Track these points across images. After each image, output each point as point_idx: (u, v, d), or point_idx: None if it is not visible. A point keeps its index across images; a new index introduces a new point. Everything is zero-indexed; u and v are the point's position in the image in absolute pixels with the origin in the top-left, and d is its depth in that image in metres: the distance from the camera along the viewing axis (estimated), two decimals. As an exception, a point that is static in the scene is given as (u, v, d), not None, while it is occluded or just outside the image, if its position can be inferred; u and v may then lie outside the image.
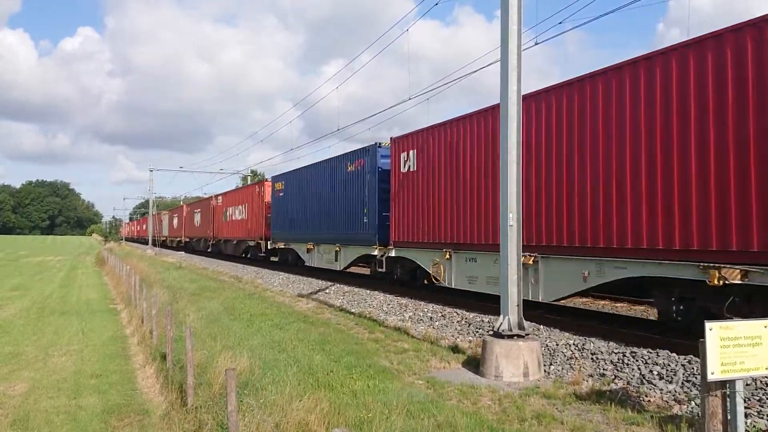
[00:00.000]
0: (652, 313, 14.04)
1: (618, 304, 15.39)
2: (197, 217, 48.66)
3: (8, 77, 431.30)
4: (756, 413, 6.48)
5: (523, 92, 9.49)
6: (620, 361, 8.70)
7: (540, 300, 11.83)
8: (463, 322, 12.51)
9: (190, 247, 53.87)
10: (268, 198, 30.14)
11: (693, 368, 7.82)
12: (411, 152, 16.41)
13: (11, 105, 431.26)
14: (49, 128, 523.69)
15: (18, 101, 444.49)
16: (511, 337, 8.93)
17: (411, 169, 16.44)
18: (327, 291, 19.53)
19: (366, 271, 22.65)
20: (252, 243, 32.95)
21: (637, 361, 8.55)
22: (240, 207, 35.12)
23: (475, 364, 9.22)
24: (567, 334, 10.55)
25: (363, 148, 19.66)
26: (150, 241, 63.94)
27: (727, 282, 8.31)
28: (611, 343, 9.52)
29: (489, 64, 12.85)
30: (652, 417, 6.45)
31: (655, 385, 7.76)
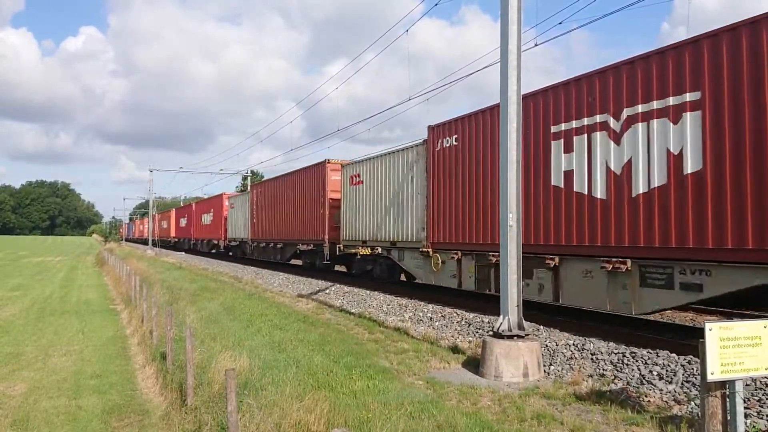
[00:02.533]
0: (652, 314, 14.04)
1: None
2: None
3: (11, 77, 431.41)
4: (756, 413, 6.48)
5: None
6: (620, 362, 8.70)
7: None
8: (463, 323, 12.50)
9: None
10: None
11: (693, 368, 7.82)
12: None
13: (13, 105, 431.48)
14: (51, 128, 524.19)
15: (20, 101, 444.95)
16: (510, 337, 8.93)
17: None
18: (327, 291, 19.53)
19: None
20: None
21: (636, 361, 8.55)
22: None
23: (474, 364, 9.22)
24: (567, 334, 10.55)
25: None
26: (150, 242, 64.00)
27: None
28: (611, 343, 9.52)
29: (488, 65, 12.86)
30: (651, 417, 6.45)
31: (654, 386, 7.76)
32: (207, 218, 45.94)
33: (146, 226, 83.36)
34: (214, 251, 45.45)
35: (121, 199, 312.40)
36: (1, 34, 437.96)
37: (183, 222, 59.12)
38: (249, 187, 34.37)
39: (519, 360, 8.65)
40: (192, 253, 51.89)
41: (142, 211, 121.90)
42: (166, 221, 70.67)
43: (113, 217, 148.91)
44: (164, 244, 69.01)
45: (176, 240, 63.47)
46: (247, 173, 64.50)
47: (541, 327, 11.15)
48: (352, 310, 15.67)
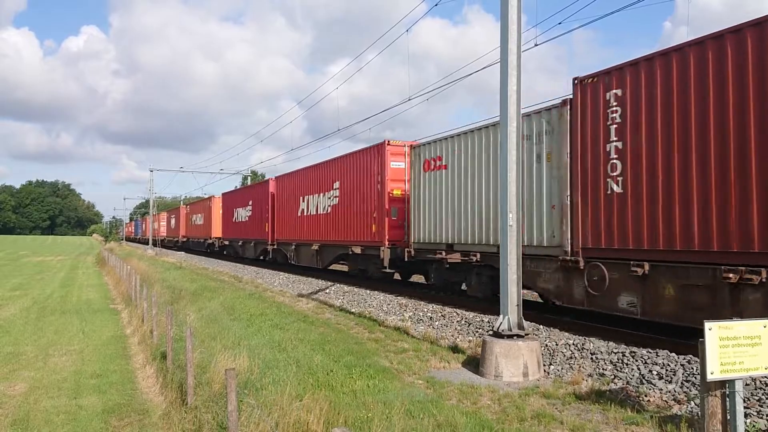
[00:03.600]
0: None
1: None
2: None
3: (13, 77, 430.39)
4: (756, 413, 6.48)
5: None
6: (620, 361, 8.70)
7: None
8: (462, 322, 12.51)
9: None
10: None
11: (692, 368, 7.82)
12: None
13: (15, 105, 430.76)
14: (52, 128, 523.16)
15: (22, 101, 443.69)
16: (510, 337, 8.93)
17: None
18: (327, 291, 19.53)
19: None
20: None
21: (636, 360, 8.55)
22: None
23: (474, 364, 9.22)
24: (566, 334, 10.55)
25: None
26: (150, 242, 64.01)
27: None
28: (611, 343, 9.52)
29: (489, 65, 12.87)
30: (651, 417, 6.46)
31: (654, 385, 7.76)
32: (316, 202, 23.53)
33: (160, 223, 69.32)
34: (349, 270, 22.79)
35: (121, 199, 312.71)
36: (3, 34, 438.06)
37: (241, 214, 35.26)
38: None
39: (519, 359, 8.65)
40: (267, 266, 30.24)
41: (142, 210, 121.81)
42: (200, 215, 47.48)
43: (113, 217, 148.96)
44: (192, 247, 50.86)
45: (223, 242, 40.49)
46: (247, 173, 64.59)
47: (541, 327, 11.15)
48: (352, 310, 15.67)
